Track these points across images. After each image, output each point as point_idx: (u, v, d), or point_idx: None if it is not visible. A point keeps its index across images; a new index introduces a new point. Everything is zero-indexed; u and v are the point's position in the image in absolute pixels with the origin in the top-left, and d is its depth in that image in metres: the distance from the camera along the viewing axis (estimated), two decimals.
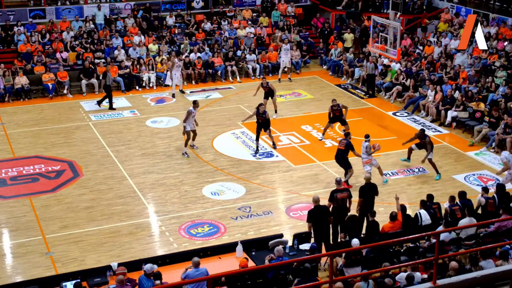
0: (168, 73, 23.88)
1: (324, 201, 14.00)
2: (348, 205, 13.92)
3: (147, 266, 11.23)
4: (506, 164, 16.34)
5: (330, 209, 13.70)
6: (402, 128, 20.95)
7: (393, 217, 13.19)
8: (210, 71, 25.67)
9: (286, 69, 26.10)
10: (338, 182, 14.11)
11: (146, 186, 17.11)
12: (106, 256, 13.77)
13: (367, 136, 16.83)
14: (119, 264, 11.96)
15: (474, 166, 18.35)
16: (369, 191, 14.33)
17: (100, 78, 23.80)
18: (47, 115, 22.17)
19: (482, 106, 20.72)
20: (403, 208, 13.67)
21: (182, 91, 24.11)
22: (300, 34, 28.64)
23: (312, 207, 13.49)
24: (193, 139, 19.24)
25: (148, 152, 19.13)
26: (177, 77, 23.67)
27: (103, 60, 25.04)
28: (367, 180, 14.42)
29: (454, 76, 22.95)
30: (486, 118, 20.08)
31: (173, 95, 23.67)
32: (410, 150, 18.19)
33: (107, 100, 22.67)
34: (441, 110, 21.41)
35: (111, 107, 22.63)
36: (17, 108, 22.74)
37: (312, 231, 13.29)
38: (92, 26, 26.77)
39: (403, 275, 10.97)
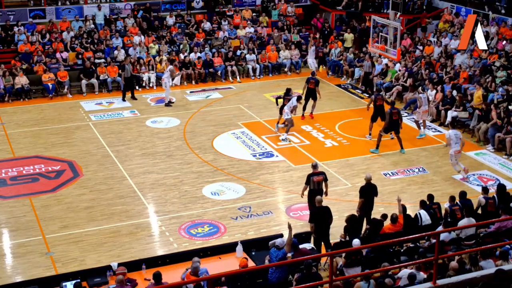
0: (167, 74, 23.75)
1: (325, 202, 13.98)
2: (324, 188, 14.62)
3: (279, 240, 11.80)
4: (447, 140, 17.49)
5: (307, 192, 14.66)
6: (402, 128, 20.92)
7: (393, 219, 13.15)
8: (211, 70, 25.65)
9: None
10: (314, 166, 14.88)
11: (146, 186, 17.11)
12: (106, 256, 13.77)
13: None
14: (119, 264, 11.97)
15: (474, 166, 18.34)
16: (369, 191, 14.33)
17: (120, 71, 23.97)
18: (47, 115, 22.17)
19: (480, 93, 20.58)
20: (404, 208, 13.65)
21: (168, 104, 23.02)
22: (300, 34, 28.64)
23: (315, 207, 13.53)
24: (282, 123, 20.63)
25: (148, 152, 19.13)
26: (168, 87, 23.03)
27: (103, 60, 25.05)
28: (367, 180, 14.42)
29: (454, 76, 22.93)
30: (478, 112, 20.05)
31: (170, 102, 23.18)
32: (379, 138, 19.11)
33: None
34: (441, 110, 21.41)
35: (132, 97, 23.36)
36: (17, 108, 22.74)
37: (313, 231, 13.32)
38: (92, 26, 26.77)
39: (406, 271, 10.96)
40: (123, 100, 23.39)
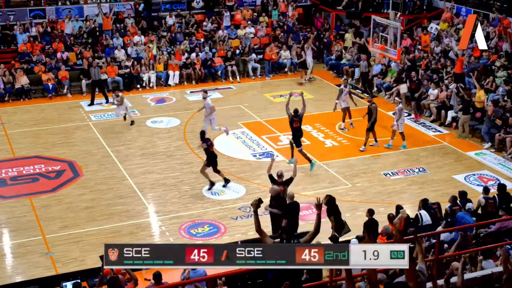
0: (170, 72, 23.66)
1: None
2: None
3: (470, 205, 13.16)
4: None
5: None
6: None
7: (390, 218, 13.10)
8: (211, 70, 25.64)
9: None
10: (278, 175, 14.43)
11: (146, 186, 17.11)
12: None
13: None
14: None
15: (474, 166, 18.34)
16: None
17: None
18: (47, 115, 22.17)
19: (482, 94, 20.51)
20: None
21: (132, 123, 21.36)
22: (300, 34, 28.60)
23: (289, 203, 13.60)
24: (348, 117, 20.75)
25: (148, 152, 19.13)
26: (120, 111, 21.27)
27: (103, 60, 25.05)
28: (290, 198, 14.19)
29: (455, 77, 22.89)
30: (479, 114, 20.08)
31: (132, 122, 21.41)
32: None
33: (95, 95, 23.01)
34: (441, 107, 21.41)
35: (91, 103, 22.97)
36: (17, 108, 22.75)
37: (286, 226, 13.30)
38: (93, 26, 26.74)
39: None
40: (91, 104, 22.90)
